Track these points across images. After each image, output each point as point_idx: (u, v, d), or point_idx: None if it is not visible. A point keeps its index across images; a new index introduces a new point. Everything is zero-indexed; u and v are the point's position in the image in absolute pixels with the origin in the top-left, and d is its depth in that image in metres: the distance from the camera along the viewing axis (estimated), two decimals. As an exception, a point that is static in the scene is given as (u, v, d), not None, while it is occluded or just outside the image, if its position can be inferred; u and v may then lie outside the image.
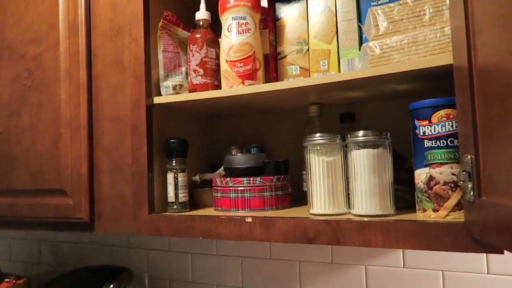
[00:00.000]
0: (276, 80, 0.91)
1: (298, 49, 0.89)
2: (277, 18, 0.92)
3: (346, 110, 0.97)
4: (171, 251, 1.24)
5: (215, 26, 0.91)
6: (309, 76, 0.87)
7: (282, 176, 0.86)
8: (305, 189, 0.92)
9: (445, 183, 0.64)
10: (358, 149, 0.71)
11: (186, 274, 1.21)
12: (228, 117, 1.14)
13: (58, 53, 0.94)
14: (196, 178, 0.98)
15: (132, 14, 0.87)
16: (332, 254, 1.01)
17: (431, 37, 0.67)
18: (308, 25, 0.88)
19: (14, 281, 1.20)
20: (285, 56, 0.90)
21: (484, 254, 0.86)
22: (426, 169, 0.66)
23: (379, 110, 0.95)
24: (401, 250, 0.93)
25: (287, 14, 0.91)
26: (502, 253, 0.56)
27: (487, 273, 0.86)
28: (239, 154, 0.92)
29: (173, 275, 1.23)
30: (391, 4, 0.72)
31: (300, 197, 0.93)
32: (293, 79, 0.88)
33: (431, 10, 0.69)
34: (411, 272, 0.92)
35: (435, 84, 0.79)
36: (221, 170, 0.98)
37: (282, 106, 0.99)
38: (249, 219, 0.74)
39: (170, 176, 0.87)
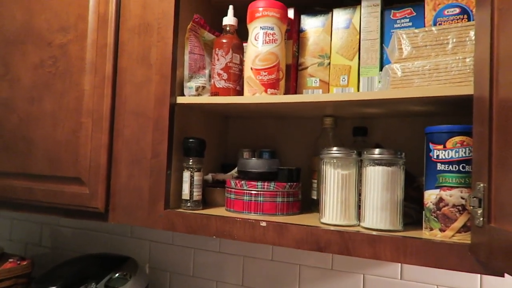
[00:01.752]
0: (295, 90, 0.94)
1: (319, 62, 0.92)
2: (301, 29, 0.95)
3: (359, 124, 1.01)
4: (174, 245, 1.27)
5: (239, 31, 0.94)
6: (328, 89, 0.91)
7: (295, 183, 0.89)
8: (314, 197, 0.96)
9: (453, 206, 0.67)
10: (373, 165, 0.74)
11: (187, 268, 1.24)
12: (242, 119, 1.17)
13: (85, 44, 0.97)
14: (209, 177, 1.01)
15: (162, 13, 0.90)
16: (333, 260, 1.04)
17: (452, 66, 0.70)
18: (331, 39, 0.91)
19: (18, 262, 1.22)
20: (306, 68, 0.93)
21: (479, 276, 0.90)
22: (437, 191, 0.70)
23: (391, 126, 0.98)
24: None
25: (311, 26, 0.94)
26: (503, 276, 0.59)
27: (481, 291, 0.90)
28: (253, 158, 0.95)
29: (174, 268, 1.26)
30: (416, 30, 0.75)
31: (308, 204, 0.96)
32: (312, 91, 0.92)
33: (454, 40, 0.72)
34: (407, 285, 0.96)
35: (448, 108, 0.83)
36: (234, 171, 1.02)
37: (297, 114, 1.03)
38: (264, 224, 0.77)
39: (186, 174, 0.90)
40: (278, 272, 1.11)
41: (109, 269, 1.08)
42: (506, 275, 0.61)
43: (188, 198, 0.90)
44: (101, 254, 1.20)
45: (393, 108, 0.85)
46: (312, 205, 0.96)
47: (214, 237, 0.81)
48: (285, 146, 1.10)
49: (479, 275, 0.91)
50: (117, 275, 1.07)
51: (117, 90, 0.94)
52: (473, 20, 0.76)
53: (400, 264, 0.97)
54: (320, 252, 1.04)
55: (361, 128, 0.96)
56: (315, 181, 0.95)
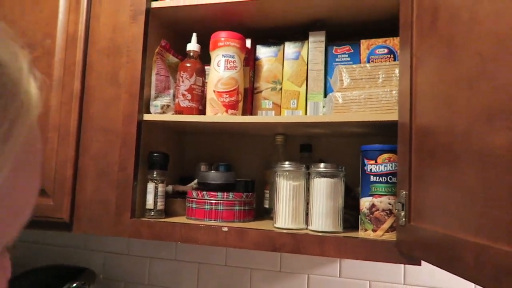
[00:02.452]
0: (251, 111, 1.06)
1: (273, 87, 1.05)
2: (257, 58, 1.08)
3: (305, 142, 1.15)
4: (130, 255, 1.31)
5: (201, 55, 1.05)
6: (280, 111, 1.04)
7: (250, 193, 1.00)
8: (266, 206, 1.08)
9: (383, 210, 0.83)
10: (319, 177, 0.88)
11: (142, 277, 1.29)
12: (199, 135, 1.27)
13: (53, 62, 1.01)
14: (169, 188, 1.08)
15: (132, 38, 0.98)
16: (281, 263, 1.16)
17: (382, 97, 0.87)
18: (283, 68, 1.05)
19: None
20: (261, 91, 1.06)
21: (403, 269, 1.07)
22: (370, 198, 0.85)
23: (332, 144, 1.14)
24: (338, 262, 1.12)
25: (266, 56, 1.07)
26: (420, 264, 0.75)
27: (404, 284, 1.07)
28: (213, 171, 1.05)
29: (129, 277, 1.30)
30: (354, 66, 0.91)
31: (261, 212, 1.08)
32: (266, 112, 1.05)
33: (383, 75, 0.89)
34: (345, 281, 1.11)
35: (379, 131, 1.00)
36: (193, 183, 1.10)
37: (251, 132, 1.15)
38: (226, 229, 0.87)
39: (151, 186, 0.98)
40: (231, 277, 1.20)
41: (66, 279, 1.11)
42: (422, 263, 0.77)
43: (152, 208, 0.97)
44: (58, 265, 1.21)
45: (334, 129, 1.00)
46: (265, 213, 1.08)
47: (179, 242, 0.90)
48: (240, 160, 1.21)
49: (403, 270, 1.08)
50: (75, 284, 1.09)
51: (84, 107, 1.00)
52: (397, 60, 0.94)
53: (338, 263, 1.12)
54: (269, 256, 1.16)
55: (307, 145, 1.10)
56: (268, 191, 1.07)
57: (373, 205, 0.84)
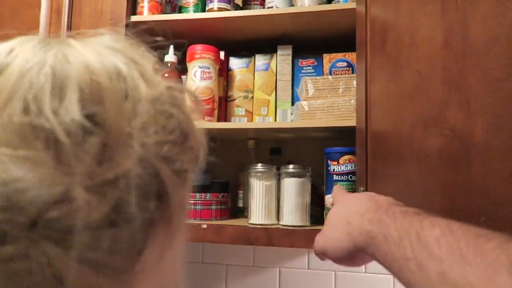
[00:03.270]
0: (225, 117, 1.15)
1: (245, 95, 1.15)
2: (230, 68, 1.17)
3: (275, 145, 1.25)
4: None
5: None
6: (252, 117, 1.13)
7: (226, 193, 1.09)
8: (240, 205, 1.17)
9: (345, 205, 0.94)
10: (289, 177, 0.98)
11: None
12: (175, 140, 1.34)
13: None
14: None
15: (112, 50, 1.04)
16: (254, 258, 1.26)
17: (342, 105, 0.98)
18: (254, 78, 1.15)
19: None
20: (234, 99, 1.15)
21: (364, 258, 1.19)
22: (333, 195, 0.96)
23: (299, 147, 1.25)
24: (306, 255, 1.23)
25: (238, 67, 1.16)
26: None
27: (365, 272, 1.19)
28: (190, 173, 1.13)
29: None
30: (318, 77, 1.03)
31: (235, 211, 1.17)
32: (239, 119, 1.14)
33: (343, 86, 1.00)
34: (313, 273, 1.22)
35: (340, 135, 1.11)
36: (171, 185, 1.18)
37: (224, 137, 1.23)
38: (205, 226, 0.95)
39: (132, 188, 1.04)
40: (207, 273, 1.28)
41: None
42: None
43: (134, 209, 1.04)
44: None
45: (301, 134, 1.11)
46: (238, 212, 1.17)
47: (161, 240, 0.97)
48: (213, 163, 1.29)
49: (364, 261, 1.20)
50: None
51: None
52: (355, 72, 1.06)
53: (307, 256, 1.23)
54: (243, 252, 1.25)
55: (277, 148, 1.20)
56: (241, 192, 1.17)
57: (336, 201, 0.95)
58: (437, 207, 0.57)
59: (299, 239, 0.91)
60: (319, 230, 0.93)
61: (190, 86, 1.07)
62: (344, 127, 0.97)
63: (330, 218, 0.48)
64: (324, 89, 1.01)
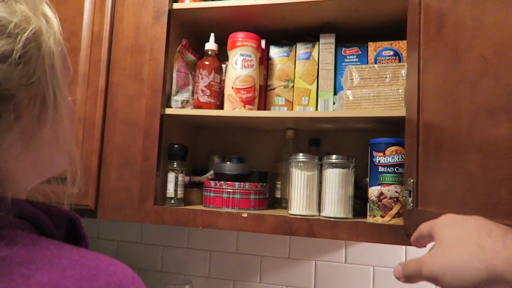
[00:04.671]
0: (265, 107, 1.13)
1: (285, 85, 1.13)
2: (270, 57, 1.15)
3: (314, 136, 1.23)
4: (143, 243, 1.37)
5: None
6: (292, 107, 1.11)
7: (264, 184, 1.08)
8: (277, 195, 1.15)
9: (390, 198, 0.91)
10: (331, 168, 0.96)
11: (156, 264, 1.35)
12: (211, 129, 1.33)
13: (78, 58, 1.07)
14: (186, 179, 1.15)
15: (155, 37, 1.04)
16: (290, 250, 1.24)
17: (389, 95, 0.95)
18: (295, 67, 1.12)
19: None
20: (274, 89, 1.13)
21: (404, 254, 1.16)
22: (378, 187, 0.93)
23: (338, 139, 1.22)
24: (344, 249, 1.20)
25: (279, 56, 1.14)
26: (425, 246, 0.83)
27: (405, 269, 1.15)
28: (228, 162, 1.12)
29: (142, 265, 1.37)
30: (363, 66, 0.99)
31: (272, 202, 1.15)
32: (279, 108, 1.12)
33: (390, 75, 0.97)
34: (350, 267, 1.19)
35: (383, 126, 1.08)
36: (208, 174, 1.17)
37: (263, 127, 1.22)
38: (245, 215, 0.94)
39: (171, 176, 1.04)
40: (242, 263, 1.28)
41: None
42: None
43: (173, 196, 1.04)
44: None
45: (343, 124, 1.08)
46: (276, 203, 1.15)
47: (201, 227, 0.96)
48: (250, 153, 1.28)
49: (404, 255, 1.16)
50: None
51: (108, 101, 1.06)
52: (402, 62, 1.02)
53: (344, 249, 1.20)
54: (278, 244, 1.24)
55: (316, 139, 1.18)
56: (279, 182, 1.15)
57: (381, 193, 0.92)
58: (503, 200, 0.54)
59: (342, 230, 0.88)
60: (362, 223, 0.91)
61: (231, 75, 1.05)
62: (391, 117, 0.93)
63: (447, 240, 0.43)
64: (370, 78, 0.98)
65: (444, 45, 0.74)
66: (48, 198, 1.05)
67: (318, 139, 1.18)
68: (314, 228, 0.90)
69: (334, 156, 0.96)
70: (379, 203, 0.92)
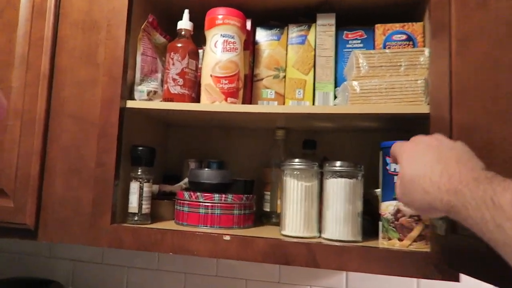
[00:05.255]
0: (250, 101, 0.93)
1: (275, 75, 0.93)
2: (256, 42, 0.95)
3: (308, 137, 1.03)
4: (104, 264, 1.15)
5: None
6: (284, 101, 0.92)
7: (250, 195, 0.88)
8: (266, 209, 0.95)
9: (410, 216, 0.72)
10: (335, 177, 0.77)
11: (118, 289, 1.13)
12: (184, 128, 1.12)
13: (15, 35, 0.84)
14: (155, 188, 0.94)
15: (113, 11, 0.82)
16: (280, 273, 1.04)
17: (406, 87, 0.77)
18: (286, 53, 0.93)
19: None
20: (262, 79, 0.93)
21: (415, 282, 0.98)
22: (394, 202, 0.74)
23: (337, 140, 1.03)
24: (344, 273, 1.01)
25: (267, 39, 0.94)
26: (458, 280, 0.65)
27: (414, 295, 0.98)
28: (206, 169, 0.91)
29: (102, 289, 1.14)
30: (372, 51, 0.81)
31: (259, 216, 0.95)
32: (267, 103, 0.92)
33: (406, 63, 0.78)
34: (350, 292, 1.01)
35: (394, 125, 0.89)
36: (182, 183, 0.96)
37: (246, 125, 1.02)
38: (227, 237, 0.74)
39: (134, 186, 0.83)
40: (221, 288, 1.07)
41: (28, 295, 0.94)
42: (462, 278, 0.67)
43: (137, 211, 0.82)
44: (20, 278, 1.03)
45: (345, 122, 0.89)
46: (264, 217, 0.95)
47: (171, 253, 0.76)
48: (233, 157, 1.08)
49: (416, 285, 0.98)
50: (39, 301, 0.93)
51: (54, 90, 0.83)
52: (417, 47, 0.84)
53: (345, 274, 1.01)
54: (265, 265, 1.04)
55: (311, 141, 0.98)
56: (268, 193, 0.95)
57: (398, 211, 0.74)
58: None
59: (351, 259, 0.69)
60: (376, 249, 0.72)
61: (210, 60, 0.85)
62: (409, 114, 0.75)
63: (404, 181, 0.50)
64: (381, 66, 0.79)
65: (495, 18, 0.55)
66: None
67: (314, 140, 0.98)
68: (317, 255, 0.70)
69: (338, 163, 0.77)
70: (396, 222, 0.74)
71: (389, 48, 0.85)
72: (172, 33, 0.92)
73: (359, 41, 0.90)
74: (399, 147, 0.55)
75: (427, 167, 0.47)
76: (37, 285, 0.98)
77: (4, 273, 1.21)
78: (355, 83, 0.79)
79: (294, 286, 1.03)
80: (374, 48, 0.87)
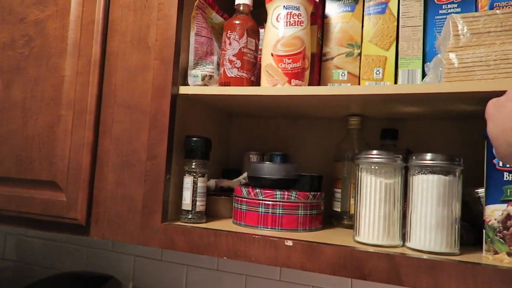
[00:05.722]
0: (319, 84, 0.81)
1: (348, 52, 0.79)
2: (326, 15, 0.82)
3: (387, 125, 0.88)
4: (164, 261, 1.10)
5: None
6: (359, 83, 0.77)
7: (318, 193, 0.75)
8: (336, 209, 0.82)
9: (529, 225, 0.55)
10: (425, 173, 0.61)
11: (178, 288, 1.08)
12: (247, 118, 1.02)
13: (67, 21, 0.80)
14: (211, 183, 0.85)
15: (164, -13, 0.75)
16: (352, 283, 0.91)
17: (524, 56, 0.59)
18: (362, 26, 0.78)
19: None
20: (332, 58, 0.80)
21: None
22: (503, 206, 0.58)
23: (425, 129, 0.86)
24: None
25: (339, 11, 0.81)
26: None
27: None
28: (267, 162, 0.80)
29: (163, 287, 1.09)
30: (476, 14, 0.63)
31: (328, 216, 0.83)
32: (338, 85, 0.78)
33: (523, 26, 0.60)
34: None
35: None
36: (242, 177, 0.87)
37: (314, 113, 0.89)
38: (290, 243, 0.62)
39: (188, 180, 0.75)
40: (286, 295, 0.96)
41: (87, 291, 0.91)
42: None
43: (190, 209, 0.74)
44: (77, 273, 1.02)
45: (436, 106, 0.73)
46: (333, 219, 0.82)
47: (225, 258, 0.66)
48: (299, 150, 0.96)
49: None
50: (96, 298, 0.90)
51: (105, 78, 0.78)
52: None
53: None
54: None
55: (391, 130, 0.83)
56: (339, 190, 0.82)
57: (508, 216, 0.57)
58: None
59: (449, 277, 0.54)
60: (481, 267, 0.56)
61: (271, 37, 0.73)
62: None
63: (493, 134, 0.45)
64: (489, 31, 0.62)
65: None
66: (16, 204, 0.79)
67: (395, 129, 0.83)
68: (401, 270, 0.56)
69: (429, 155, 0.61)
70: (505, 232, 0.57)
71: (498, 9, 0.67)
72: (231, 13, 0.83)
73: (456, 5, 0.73)
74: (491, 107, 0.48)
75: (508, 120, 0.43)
76: (95, 280, 0.95)
77: (66, 266, 1.21)
78: (452, 55, 0.63)
79: (370, 300, 0.89)
80: (477, 11, 0.70)
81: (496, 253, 0.58)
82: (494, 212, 0.59)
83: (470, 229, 0.67)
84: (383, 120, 0.88)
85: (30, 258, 1.28)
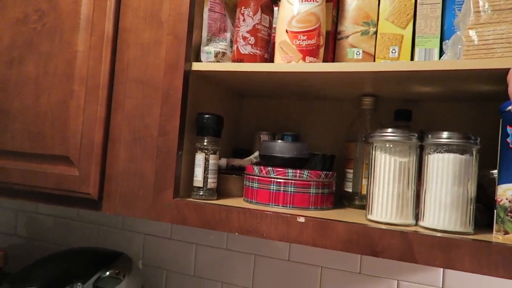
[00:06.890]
0: (333, 62, 0.79)
1: (363, 30, 0.78)
2: (341, -9, 0.80)
3: (401, 106, 0.87)
4: (173, 239, 1.11)
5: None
6: (374, 61, 0.76)
7: (330, 172, 0.75)
8: (348, 189, 0.82)
9: (545, 205, 0.54)
10: (441, 152, 0.61)
11: (187, 267, 1.09)
12: (259, 98, 1.02)
13: (80, -4, 0.79)
14: (222, 162, 0.85)
15: (178, -39, 0.74)
16: (361, 263, 0.91)
17: (547, 33, 0.57)
18: (379, 3, 0.77)
19: (-11, 254, 1.05)
20: (347, 37, 0.79)
21: (441, 275, 0.78)
22: (518, 186, 0.57)
23: (439, 111, 0.85)
24: (442, 269, 0.85)
25: (354, -12, 0.79)
26: None
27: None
28: (280, 141, 0.80)
29: (172, 265, 1.11)
30: (498, -11, 0.62)
31: (339, 197, 0.82)
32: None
33: (547, 2, 0.59)
34: (449, 294, 0.84)
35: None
36: (253, 156, 0.87)
37: (327, 92, 0.88)
38: (302, 219, 0.62)
39: (200, 157, 0.75)
40: (295, 275, 0.97)
41: (98, 266, 0.92)
42: None
43: (201, 186, 0.74)
44: (88, 249, 1.03)
45: (453, 86, 0.71)
46: (345, 199, 0.82)
47: (237, 233, 0.66)
48: (311, 129, 0.95)
49: (441, 277, 0.79)
50: (108, 273, 0.91)
51: (118, 53, 0.78)
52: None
53: (441, 270, 0.85)
54: (345, 253, 0.91)
55: (405, 111, 0.82)
56: (351, 170, 0.81)
57: (523, 196, 0.56)
58: None
59: (463, 255, 0.54)
60: (489, 243, 0.55)
61: (286, 13, 0.72)
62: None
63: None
64: (511, 8, 0.60)
65: None
66: (29, 179, 0.80)
67: (409, 110, 0.82)
68: (414, 247, 0.56)
69: (445, 134, 0.61)
70: (522, 212, 0.56)
71: (519, -14, 0.65)
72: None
73: (475, -18, 0.71)
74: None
75: None
76: (107, 256, 0.96)
77: (77, 243, 1.23)
78: (472, 32, 0.61)
79: (376, 279, 0.89)
80: (496, -10, 0.68)
81: (506, 233, 0.57)
82: (506, 192, 0.58)
83: (484, 210, 0.67)
84: (397, 102, 0.87)
85: (41, 235, 1.30)
